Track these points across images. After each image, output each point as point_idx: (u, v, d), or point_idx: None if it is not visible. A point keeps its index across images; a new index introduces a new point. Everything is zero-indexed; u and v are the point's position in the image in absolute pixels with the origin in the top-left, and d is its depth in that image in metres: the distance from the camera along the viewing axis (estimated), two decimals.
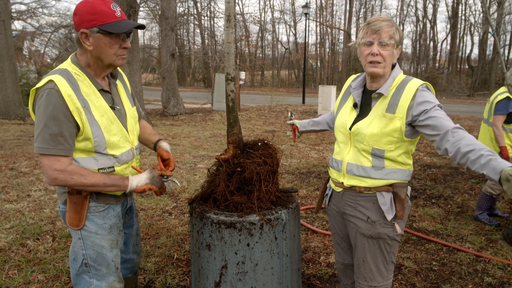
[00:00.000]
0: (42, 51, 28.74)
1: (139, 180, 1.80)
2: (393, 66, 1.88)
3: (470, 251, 3.46)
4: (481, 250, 3.53)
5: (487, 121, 4.09)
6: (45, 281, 2.90)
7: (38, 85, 1.63)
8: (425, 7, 37.68)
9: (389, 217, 1.84)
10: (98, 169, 1.75)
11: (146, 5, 14.93)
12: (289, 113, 2.70)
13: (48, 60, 28.12)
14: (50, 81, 1.61)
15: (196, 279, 2.15)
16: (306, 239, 3.75)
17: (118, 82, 1.96)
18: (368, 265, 1.92)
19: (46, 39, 26.53)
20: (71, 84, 1.65)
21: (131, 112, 1.96)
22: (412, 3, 42.08)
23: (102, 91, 1.79)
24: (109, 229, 1.85)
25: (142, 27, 1.78)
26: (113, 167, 1.80)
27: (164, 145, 2.11)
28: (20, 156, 7.17)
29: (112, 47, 1.69)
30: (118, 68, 1.90)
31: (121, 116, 1.87)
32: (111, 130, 1.77)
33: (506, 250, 3.50)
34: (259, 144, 2.07)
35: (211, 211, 1.98)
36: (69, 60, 1.77)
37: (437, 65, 39.64)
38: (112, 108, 1.82)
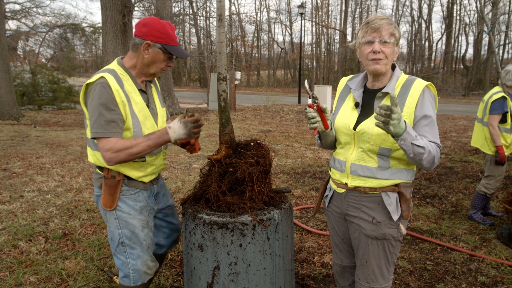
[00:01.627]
0: (36, 51, 28.55)
1: (178, 135, 1.93)
2: (393, 67, 1.88)
3: (464, 251, 3.46)
4: (475, 249, 3.54)
5: (481, 121, 4.10)
6: (37, 283, 2.87)
7: (90, 81, 1.90)
8: (420, 7, 37.85)
9: (395, 217, 1.83)
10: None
11: (141, 5, 14.84)
12: (309, 86, 1.91)
13: (43, 60, 27.95)
14: (102, 77, 1.88)
15: (188, 280, 2.14)
16: (301, 239, 3.74)
17: (152, 85, 2.24)
18: (371, 267, 1.91)
19: (41, 39, 26.35)
20: (118, 81, 1.93)
21: (161, 111, 2.22)
22: (407, 3, 42.18)
23: (140, 91, 2.06)
24: (139, 210, 2.08)
25: (187, 56, 2.16)
26: (144, 157, 2.04)
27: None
28: (13, 157, 7.12)
29: (162, 62, 2.03)
30: None
31: (154, 114, 2.13)
32: (145, 124, 2.03)
33: (500, 249, 3.51)
34: (252, 144, 2.06)
35: (203, 211, 1.97)
36: (115, 62, 2.06)
37: (432, 65, 39.81)
38: (147, 106, 2.08)
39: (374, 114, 1.73)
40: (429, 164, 1.71)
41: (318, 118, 1.86)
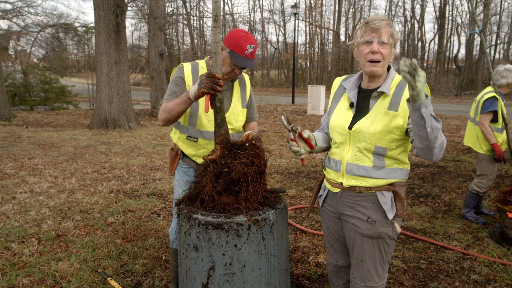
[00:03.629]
0: (28, 51, 28.23)
1: (194, 89, 2.07)
2: (388, 68, 1.89)
3: (457, 249, 3.49)
4: (468, 248, 3.57)
5: (474, 120, 4.14)
6: (30, 285, 2.84)
7: (179, 65, 2.37)
8: (413, 8, 38.09)
9: (390, 216, 1.84)
10: (187, 136, 2.39)
11: (134, 5, 14.76)
12: (286, 120, 1.93)
13: (35, 60, 27.64)
14: (182, 64, 2.36)
15: (183, 281, 2.13)
16: (295, 239, 3.75)
17: (236, 84, 2.46)
18: (366, 266, 1.92)
19: (33, 39, 26.05)
20: (193, 70, 2.34)
21: (235, 109, 2.43)
22: (400, 3, 42.48)
23: None
24: (185, 182, 2.48)
25: (253, 70, 2.40)
26: (197, 138, 2.38)
27: (254, 132, 2.40)
28: (5, 158, 7.05)
29: (229, 66, 2.27)
30: (243, 74, 2.51)
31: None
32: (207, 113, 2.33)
33: (492, 248, 3.54)
34: (247, 144, 2.06)
35: (198, 212, 1.96)
36: (203, 59, 2.43)
37: (425, 65, 40.05)
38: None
39: (369, 112, 1.79)
40: (439, 149, 1.60)
41: (303, 151, 1.94)
